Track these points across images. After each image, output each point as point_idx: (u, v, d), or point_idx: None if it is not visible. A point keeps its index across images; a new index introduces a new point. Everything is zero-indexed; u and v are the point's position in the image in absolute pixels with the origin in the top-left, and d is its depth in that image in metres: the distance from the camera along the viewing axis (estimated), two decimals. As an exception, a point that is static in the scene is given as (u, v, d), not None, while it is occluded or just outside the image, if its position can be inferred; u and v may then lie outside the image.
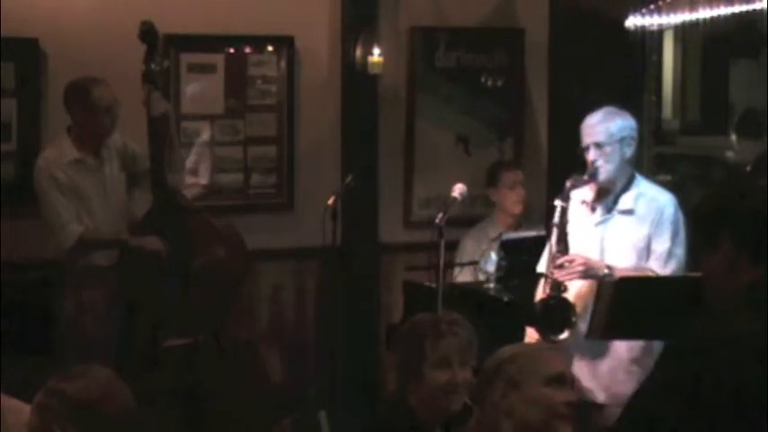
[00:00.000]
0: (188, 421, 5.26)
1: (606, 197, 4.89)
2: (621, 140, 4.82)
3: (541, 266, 5.00)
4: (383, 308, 6.81)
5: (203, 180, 6.55)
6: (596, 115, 4.88)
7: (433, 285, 5.18)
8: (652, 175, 7.25)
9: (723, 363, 2.56)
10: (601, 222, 4.89)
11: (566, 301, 4.75)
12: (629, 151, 4.84)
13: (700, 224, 2.78)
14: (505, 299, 5.43)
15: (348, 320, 6.47)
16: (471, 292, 5.68)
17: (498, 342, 3.43)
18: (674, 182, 7.55)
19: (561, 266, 4.75)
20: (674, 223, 4.84)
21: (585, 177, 4.82)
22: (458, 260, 6.24)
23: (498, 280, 5.56)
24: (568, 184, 4.81)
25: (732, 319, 2.66)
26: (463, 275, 6.12)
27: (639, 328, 4.54)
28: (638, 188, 4.89)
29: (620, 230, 4.84)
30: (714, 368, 2.57)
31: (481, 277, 5.75)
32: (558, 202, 4.80)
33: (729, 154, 8.26)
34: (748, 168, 6.36)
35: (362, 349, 6.68)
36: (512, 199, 6.40)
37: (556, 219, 4.81)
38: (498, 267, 5.57)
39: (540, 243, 5.17)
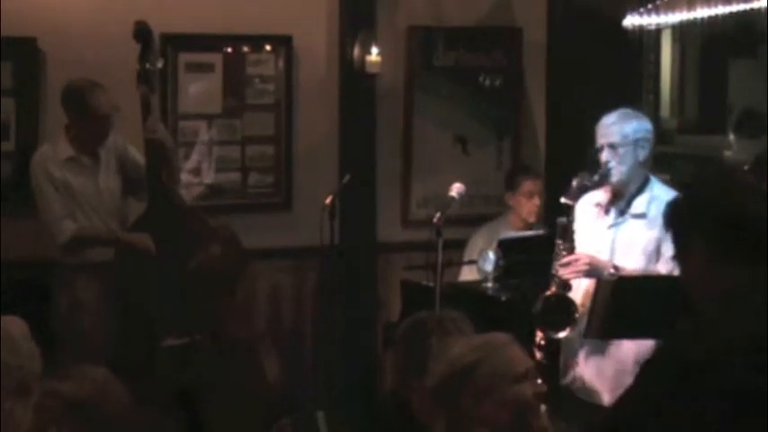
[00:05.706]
0: (185, 421, 5.25)
1: (619, 200, 4.82)
2: (636, 142, 4.74)
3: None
4: (381, 307, 6.81)
5: (207, 179, 6.56)
6: (612, 116, 4.80)
7: (431, 284, 5.18)
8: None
9: (706, 370, 2.53)
10: (613, 225, 4.82)
11: (567, 298, 4.71)
12: (642, 153, 4.76)
13: (672, 226, 2.73)
14: (503, 298, 5.42)
15: (346, 319, 6.47)
16: (469, 292, 5.68)
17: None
18: (672, 181, 7.54)
19: (566, 264, 4.73)
20: None
21: (596, 178, 4.75)
22: (466, 256, 6.24)
23: (496, 279, 5.56)
24: (575, 182, 4.71)
25: (714, 324, 2.61)
26: (471, 273, 6.11)
27: (637, 327, 4.54)
28: (652, 191, 4.80)
29: (632, 233, 4.78)
30: (699, 373, 2.54)
31: (480, 276, 5.75)
32: (564, 200, 4.76)
33: (728, 153, 8.26)
34: (746, 168, 6.35)
35: (361, 348, 6.68)
36: (527, 208, 6.34)
37: (562, 217, 4.74)
38: (496, 267, 5.57)
39: (538, 243, 5.15)
